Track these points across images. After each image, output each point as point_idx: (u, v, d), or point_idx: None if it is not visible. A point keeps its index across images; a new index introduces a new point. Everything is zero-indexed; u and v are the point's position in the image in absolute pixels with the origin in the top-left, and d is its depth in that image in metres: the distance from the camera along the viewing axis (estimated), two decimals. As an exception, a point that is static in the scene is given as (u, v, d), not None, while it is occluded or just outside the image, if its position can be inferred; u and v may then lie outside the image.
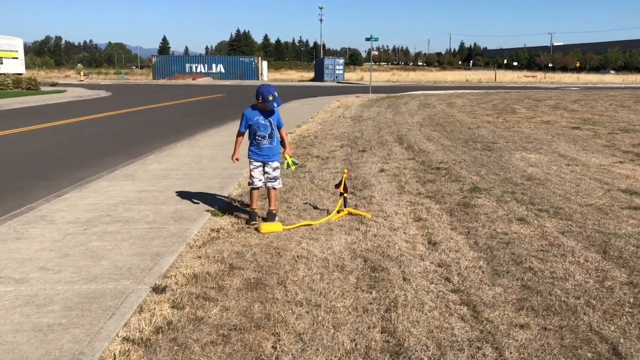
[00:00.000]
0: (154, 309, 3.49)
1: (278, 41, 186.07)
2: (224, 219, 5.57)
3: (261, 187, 5.53)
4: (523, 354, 2.97)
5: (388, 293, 3.74)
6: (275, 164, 5.50)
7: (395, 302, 3.59)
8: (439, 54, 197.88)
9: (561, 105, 21.14)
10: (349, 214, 5.70)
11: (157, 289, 3.79)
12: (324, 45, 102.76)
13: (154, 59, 65.64)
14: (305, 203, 6.24)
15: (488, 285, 3.87)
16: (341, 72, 60.27)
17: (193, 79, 59.39)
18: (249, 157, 5.52)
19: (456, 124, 14.74)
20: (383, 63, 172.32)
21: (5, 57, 41.81)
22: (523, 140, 11.40)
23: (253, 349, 3.02)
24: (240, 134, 5.47)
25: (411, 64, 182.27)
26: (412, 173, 7.95)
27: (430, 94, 31.97)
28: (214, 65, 64.16)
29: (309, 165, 8.62)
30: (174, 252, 4.55)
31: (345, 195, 5.75)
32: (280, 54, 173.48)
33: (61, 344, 3.01)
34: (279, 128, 5.48)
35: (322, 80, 58.77)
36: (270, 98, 5.17)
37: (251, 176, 5.50)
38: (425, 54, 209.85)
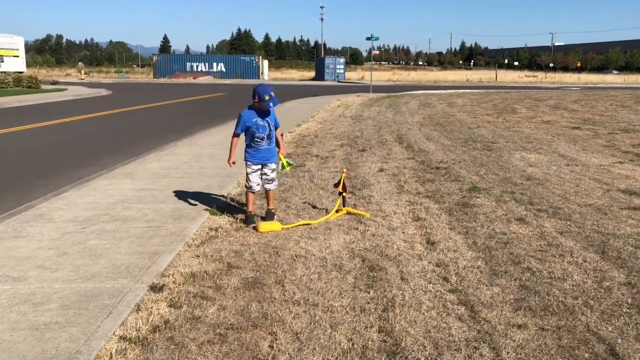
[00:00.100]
0: (152, 307, 3.49)
1: (279, 40, 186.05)
2: (222, 218, 5.57)
3: (258, 189, 5.50)
4: (520, 354, 2.97)
5: (386, 293, 3.74)
6: (274, 165, 5.47)
7: (393, 302, 3.58)
8: (439, 53, 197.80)
9: (561, 105, 21.12)
10: (348, 213, 5.70)
11: (155, 288, 3.79)
12: (324, 44, 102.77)
13: (154, 58, 65.62)
14: (304, 202, 6.24)
15: (486, 285, 3.87)
16: (342, 71, 60.24)
17: (194, 78, 59.40)
18: (246, 160, 5.40)
19: (456, 124, 14.73)
20: (384, 62, 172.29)
21: (6, 56, 41.83)
22: (523, 140, 11.39)
23: (250, 348, 3.02)
24: (236, 135, 5.34)
25: (412, 63, 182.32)
26: (411, 172, 7.94)
27: (430, 93, 31.95)
28: (214, 64, 64.16)
29: (309, 165, 8.62)
30: (172, 251, 4.55)
31: (344, 194, 5.74)
32: (281, 53, 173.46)
33: (58, 343, 3.01)
34: (275, 128, 5.44)
35: (322, 79, 58.76)
36: (267, 98, 5.06)
37: (248, 179, 5.42)
38: (426, 53, 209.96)
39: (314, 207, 6.05)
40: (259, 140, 5.29)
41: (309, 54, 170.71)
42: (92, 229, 5.15)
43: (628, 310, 3.48)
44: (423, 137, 11.95)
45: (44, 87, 33.05)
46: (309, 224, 5.34)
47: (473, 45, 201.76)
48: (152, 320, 3.32)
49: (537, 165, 8.48)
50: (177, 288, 3.81)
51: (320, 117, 16.88)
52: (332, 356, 2.95)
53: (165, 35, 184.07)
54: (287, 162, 5.56)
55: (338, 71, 59.71)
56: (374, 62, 42.06)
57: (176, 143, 11.06)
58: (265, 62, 67.53)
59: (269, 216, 5.49)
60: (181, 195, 6.48)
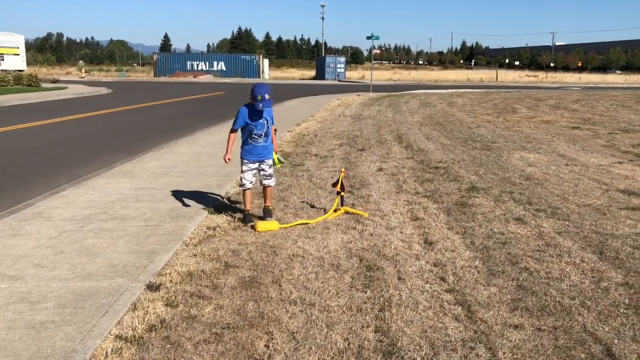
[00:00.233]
0: (148, 307, 3.49)
1: (280, 39, 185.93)
2: (220, 217, 5.57)
3: (252, 188, 5.48)
4: (516, 354, 2.96)
5: (383, 292, 3.73)
6: (271, 161, 5.46)
7: (390, 302, 3.58)
8: (440, 53, 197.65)
9: (562, 105, 21.10)
10: (346, 212, 5.69)
11: (152, 287, 3.79)
12: (325, 43, 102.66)
13: (155, 57, 65.56)
14: (303, 202, 6.24)
15: (483, 285, 3.86)
16: (342, 70, 60.16)
17: (194, 77, 59.34)
18: (242, 157, 5.39)
19: (456, 123, 14.72)
20: (384, 62, 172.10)
21: (7, 54, 41.85)
22: (523, 140, 11.38)
23: (246, 348, 3.02)
24: (233, 131, 5.31)
25: (413, 62, 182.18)
26: (410, 172, 7.94)
27: (431, 93, 31.93)
28: (215, 63, 64.09)
29: (308, 164, 8.61)
30: (169, 250, 4.55)
31: (342, 193, 5.74)
32: (282, 52, 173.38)
33: (54, 342, 3.00)
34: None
35: (323, 78, 58.69)
36: (259, 97, 4.98)
37: (242, 178, 5.41)
38: (427, 52, 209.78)
39: (312, 206, 6.05)
40: (256, 137, 5.27)
41: (310, 53, 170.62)
42: (89, 227, 5.15)
43: (625, 311, 3.48)
44: (423, 137, 11.94)
45: (44, 85, 33.05)
46: (307, 223, 5.34)
47: (474, 45, 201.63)
48: (148, 320, 3.31)
49: (536, 165, 8.47)
50: (174, 287, 3.81)
51: (320, 116, 16.87)
52: (328, 356, 2.94)
53: (166, 34, 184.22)
54: (278, 158, 5.55)
55: (338, 70, 59.62)
56: (374, 62, 42.02)
57: (176, 142, 11.06)
58: (266, 61, 67.47)
59: (266, 214, 5.48)
60: (179, 194, 6.48)
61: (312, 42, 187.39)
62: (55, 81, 39.85)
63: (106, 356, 2.90)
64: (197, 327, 3.25)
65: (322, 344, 3.05)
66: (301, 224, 5.33)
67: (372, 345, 3.05)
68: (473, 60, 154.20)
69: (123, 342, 3.05)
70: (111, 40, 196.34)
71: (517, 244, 4.75)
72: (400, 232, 5.08)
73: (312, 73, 69.68)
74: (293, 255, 4.46)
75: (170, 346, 3.03)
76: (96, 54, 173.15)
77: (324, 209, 5.87)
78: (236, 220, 5.48)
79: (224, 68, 63.62)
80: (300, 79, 62.73)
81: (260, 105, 5.03)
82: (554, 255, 4.49)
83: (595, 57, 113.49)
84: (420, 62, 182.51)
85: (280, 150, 9.74)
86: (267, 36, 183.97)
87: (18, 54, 43.05)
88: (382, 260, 4.36)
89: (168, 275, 4.02)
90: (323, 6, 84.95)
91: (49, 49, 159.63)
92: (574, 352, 3.00)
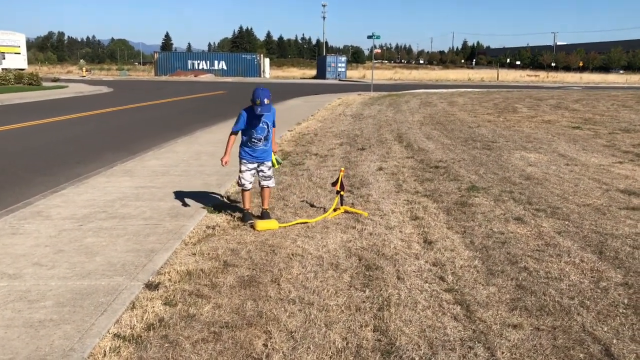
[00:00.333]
0: (146, 305, 3.49)
1: (280, 38, 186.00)
2: (220, 216, 5.57)
3: (251, 188, 5.46)
4: (515, 354, 2.96)
5: (381, 292, 3.73)
6: (270, 163, 5.44)
7: (389, 301, 3.58)
8: (441, 52, 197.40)
9: (563, 105, 21.08)
10: (346, 212, 5.69)
11: (150, 286, 3.79)
12: (326, 42, 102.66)
13: (156, 56, 65.60)
14: (302, 201, 6.23)
15: (482, 285, 3.86)
16: (343, 69, 60.15)
17: (195, 76, 59.36)
18: (240, 158, 5.37)
19: (457, 123, 14.71)
20: (385, 61, 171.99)
21: (8, 53, 41.90)
22: (523, 140, 11.37)
23: (244, 347, 3.02)
24: (234, 133, 5.27)
25: (414, 62, 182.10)
26: (410, 172, 7.93)
27: (432, 92, 31.91)
28: (216, 62, 64.13)
29: (307, 163, 8.61)
30: (168, 248, 4.55)
31: (342, 193, 5.73)
32: (283, 51, 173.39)
33: (52, 340, 3.00)
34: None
35: (324, 78, 58.69)
36: (258, 102, 4.94)
37: (241, 178, 5.39)
38: (428, 52, 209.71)
39: (312, 205, 6.04)
40: (255, 141, 5.25)
41: (311, 53, 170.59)
42: (89, 226, 5.15)
43: (624, 311, 3.47)
44: (423, 136, 11.93)
45: (45, 84, 33.06)
46: (307, 222, 5.34)
47: (475, 45, 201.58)
48: (146, 318, 3.31)
49: (536, 165, 8.46)
50: (173, 286, 3.81)
51: (321, 116, 16.86)
52: (326, 355, 2.94)
53: (167, 33, 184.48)
54: (276, 159, 5.54)
55: (339, 70, 59.61)
56: (375, 61, 41.99)
57: (176, 141, 11.06)
58: (267, 60, 67.48)
59: (264, 216, 5.46)
60: (179, 193, 6.47)
61: (313, 42, 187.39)
62: (56, 80, 39.86)
63: (104, 355, 2.90)
64: (195, 326, 3.25)
65: (320, 343, 3.05)
66: (301, 223, 5.33)
67: (371, 345, 3.05)
68: (474, 60, 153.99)
69: (121, 340, 3.05)
70: (112, 39, 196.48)
71: (516, 244, 4.74)
72: (400, 232, 5.07)
73: (313, 72, 69.69)
74: (292, 255, 4.46)
75: (169, 345, 3.03)
76: (97, 52, 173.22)
77: (324, 208, 5.87)
78: (235, 219, 5.48)
79: (225, 67, 63.65)
80: (301, 78, 62.73)
81: (259, 109, 4.98)
82: (554, 255, 4.48)
83: (596, 57, 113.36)
84: (421, 61, 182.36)
85: (280, 149, 9.75)
86: (268, 35, 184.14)
87: (19, 53, 43.14)
88: (381, 259, 4.36)
89: (167, 274, 4.02)
90: (324, 5, 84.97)
91: (50, 48, 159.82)
92: (573, 352, 2.99)
